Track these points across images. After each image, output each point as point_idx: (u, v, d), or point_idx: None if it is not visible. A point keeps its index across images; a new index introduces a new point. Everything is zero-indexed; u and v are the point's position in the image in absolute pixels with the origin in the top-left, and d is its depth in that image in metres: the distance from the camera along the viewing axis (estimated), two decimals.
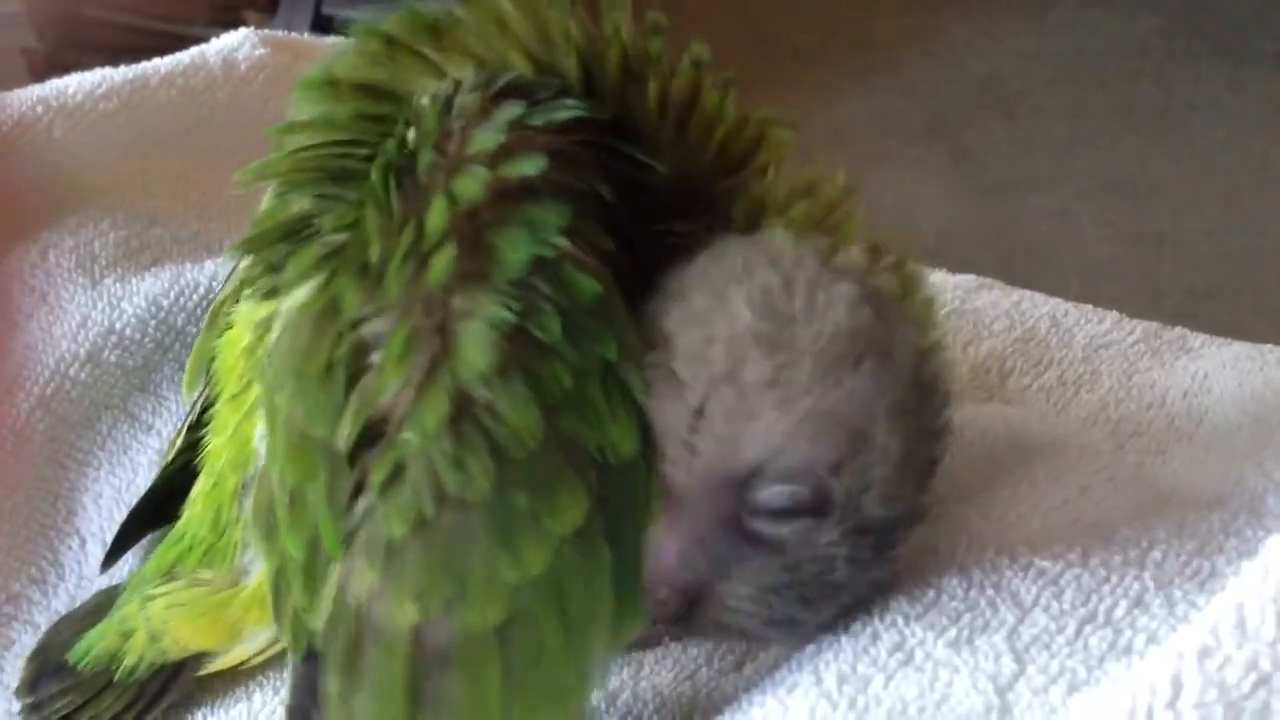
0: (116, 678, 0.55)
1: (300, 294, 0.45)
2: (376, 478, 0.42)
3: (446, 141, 0.44)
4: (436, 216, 0.42)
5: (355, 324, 0.43)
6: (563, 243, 0.41)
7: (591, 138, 0.45)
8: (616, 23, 0.47)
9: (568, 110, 0.44)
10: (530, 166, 0.42)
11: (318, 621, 0.45)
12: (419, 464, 0.41)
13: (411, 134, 0.45)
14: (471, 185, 0.42)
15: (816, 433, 0.42)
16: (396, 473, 0.42)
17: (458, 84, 0.45)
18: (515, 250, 0.41)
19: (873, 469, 0.42)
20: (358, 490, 0.43)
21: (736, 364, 0.43)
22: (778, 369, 0.42)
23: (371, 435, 0.42)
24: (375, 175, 0.45)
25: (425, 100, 0.45)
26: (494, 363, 0.40)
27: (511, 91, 0.45)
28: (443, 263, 0.42)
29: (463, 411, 0.41)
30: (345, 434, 0.43)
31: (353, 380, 0.43)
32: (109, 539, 0.62)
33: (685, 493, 0.44)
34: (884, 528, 0.44)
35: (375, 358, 0.42)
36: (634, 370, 0.42)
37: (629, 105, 0.47)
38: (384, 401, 0.42)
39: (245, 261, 0.51)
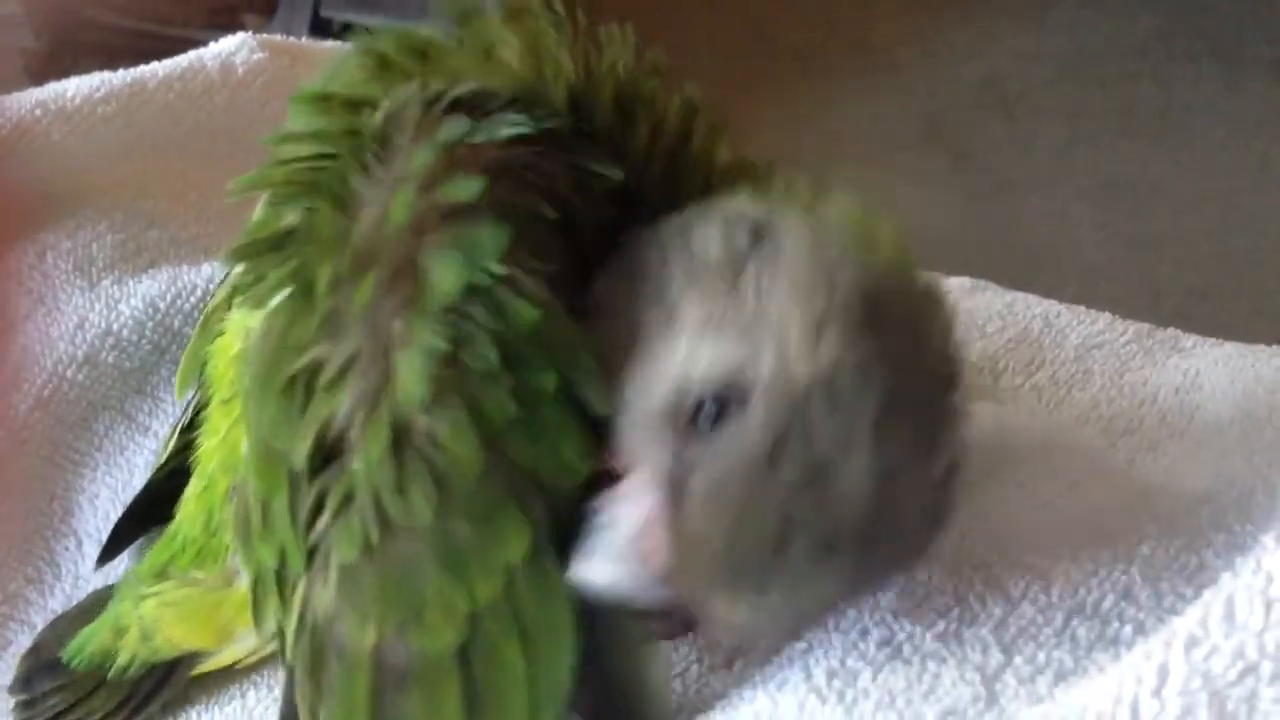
0: (109, 676, 0.55)
1: (274, 303, 0.45)
2: (332, 501, 0.42)
3: (391, 158, 0.43)
4: (364, 237, 0.42)
5: (311, 343, 0.43)
6: (498, 269, 0.40)
7: (545, 149, 0.44)
8: (614, 60, 0.47)
9: (511, 126, 0.43)
10: (465, 190, 0.41)
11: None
12: (365, 491, 0.41)
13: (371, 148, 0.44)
14: (401, 207, 0.42)
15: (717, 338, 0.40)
16: (347, 498, 0.42)
17: (407, 98, 0.45)
18: (448, 276, 0.40)
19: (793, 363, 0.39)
20: (320, 507, 0.43)
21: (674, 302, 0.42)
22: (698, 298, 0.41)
23: (330, 455, 0.43)
24: (324, 191, 0.45)
25: (379, 115, 0.45)
26: (429, 391, 0.40)
27: (460, 106, 0.44)
28: (367, 286, 0.41)
29: (403, 440, 0.41)
30: (301, 453, 0.43)
31: (308, 398, 0.43)
32: (105, 540, 0.62)
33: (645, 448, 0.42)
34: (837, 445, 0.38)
35: (323, 379, 0.42)
36: (591, 387, 0.42)
37: (618, 142, 0.46)
38: (336, 423, 0.42)
39: (237, 270, 0.51)
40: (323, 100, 0.49)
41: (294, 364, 0.43)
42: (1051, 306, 0.73)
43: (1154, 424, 0.62)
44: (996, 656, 0.42)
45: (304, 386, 0.43)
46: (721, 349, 0.40)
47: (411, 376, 0.40)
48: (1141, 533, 0.47)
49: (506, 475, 0.41)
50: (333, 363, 0.42)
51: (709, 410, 0.39)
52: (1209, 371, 0.65)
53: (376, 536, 0.41)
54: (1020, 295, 0.75)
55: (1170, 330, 0.71)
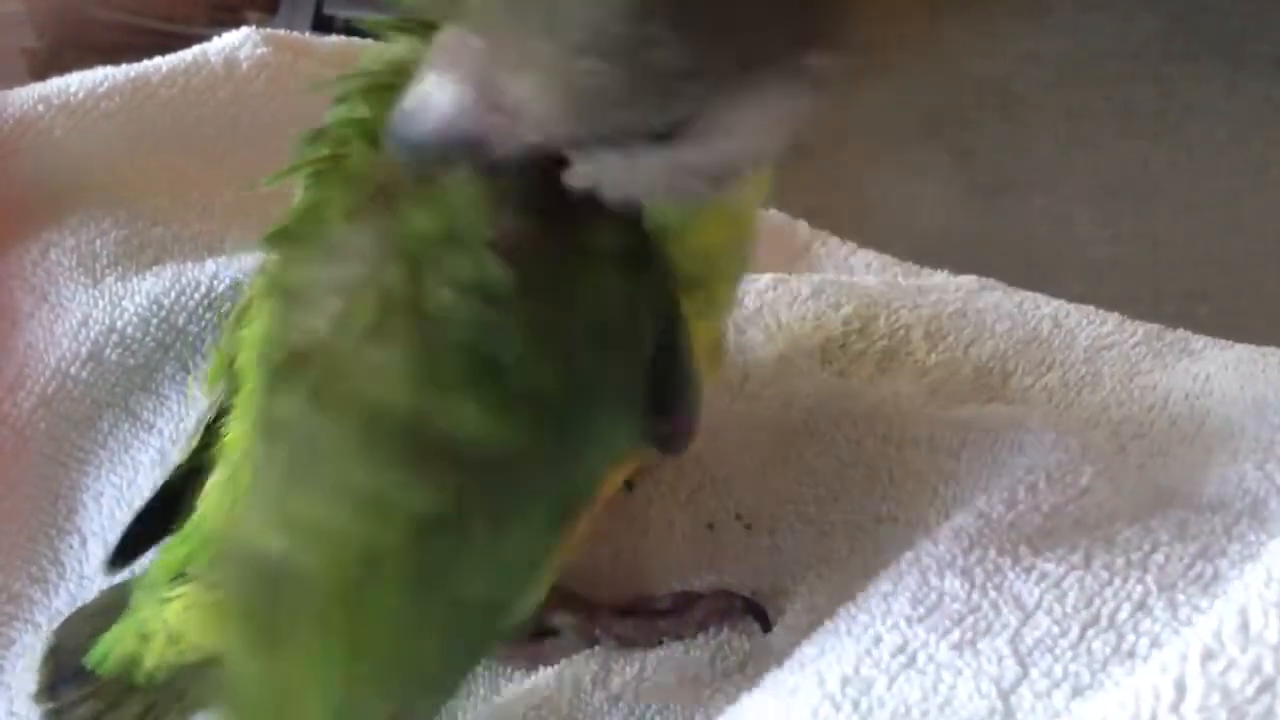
0: (137, 682, 0.55)
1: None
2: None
3: None
4: (384, 174, 0.43)
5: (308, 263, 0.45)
6: (477, 221, 0.41)
7: None
8: None
9: None
10: None
11: None
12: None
13: None
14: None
15: None
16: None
17: None
18: (429, 220, 0.41)
19: None
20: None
21: None
22: None
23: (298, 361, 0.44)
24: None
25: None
26: (371, 326, 0.41)
27: None
28: (365, 217, 0.43)
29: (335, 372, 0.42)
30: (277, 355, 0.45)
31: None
32: (110, 538, 0.62)
33: None
34: None
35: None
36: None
37: None
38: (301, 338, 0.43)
39: (272, 257, 0.51)
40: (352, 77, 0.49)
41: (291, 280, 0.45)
42: (1060, 307, 0.73)
43: (1164, 429, 0.62)
44: (1013, 669, 0.41)
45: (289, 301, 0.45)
46: None
47: (362, 311, 0.41)
48: (1155, 540, 0.47)
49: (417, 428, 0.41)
50: (319, 285, 0.43)
51: None
52: (1219, 376, 0.64)
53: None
54: (1029, 295, 0.75)
55: (1180, 332, 0.71)
